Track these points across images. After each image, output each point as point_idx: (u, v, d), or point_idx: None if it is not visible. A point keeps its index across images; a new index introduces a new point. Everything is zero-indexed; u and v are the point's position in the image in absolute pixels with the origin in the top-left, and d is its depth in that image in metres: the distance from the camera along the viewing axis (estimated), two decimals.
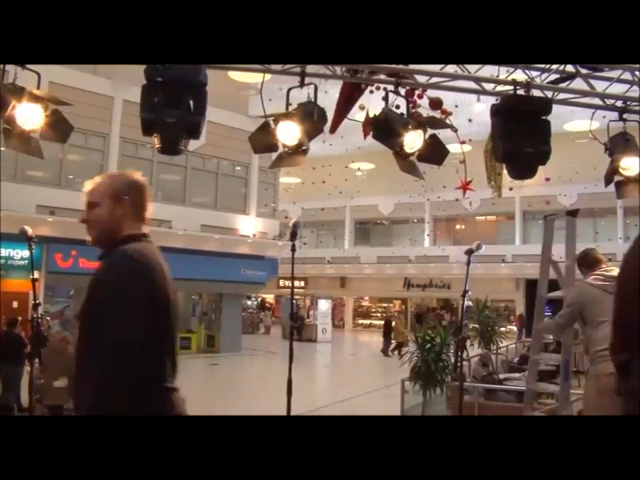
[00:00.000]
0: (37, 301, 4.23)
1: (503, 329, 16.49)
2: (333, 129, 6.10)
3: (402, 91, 5.11)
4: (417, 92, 5.64)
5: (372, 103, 5.94)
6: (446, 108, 6.07)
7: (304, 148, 4.78)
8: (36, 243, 4.17)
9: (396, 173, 5.45)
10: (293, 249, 4.89)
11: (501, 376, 10.10)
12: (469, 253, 4.77)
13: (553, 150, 4.81)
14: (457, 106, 13.93)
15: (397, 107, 5.05)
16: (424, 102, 5.88)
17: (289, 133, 4.70)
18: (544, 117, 4.81)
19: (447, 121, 6.00)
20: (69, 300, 17.63)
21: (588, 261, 4.42)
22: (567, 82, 5.50)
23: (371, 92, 6.04)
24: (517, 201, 29.09)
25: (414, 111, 5.27)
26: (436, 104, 5.85)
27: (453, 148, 5.84)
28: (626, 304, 2.12)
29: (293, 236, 4.95)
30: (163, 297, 2.19)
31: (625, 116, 5.54)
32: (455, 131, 5.55)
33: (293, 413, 4.91)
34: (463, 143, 5.47)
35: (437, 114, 5.99)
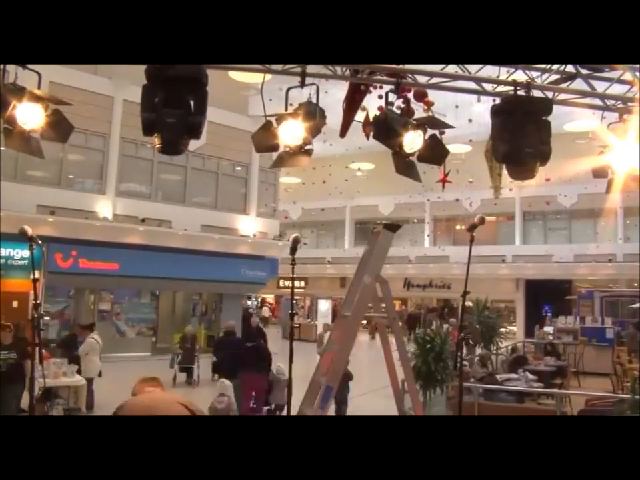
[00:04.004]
0: (38, 301, 4.22)
1: (503, 329, 16.49)
2: (343, 133, 6.11)
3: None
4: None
5: (371, 103, 5.94)
6: (429, 99, 6.08)
7: (307, 148, 4.78)
8: (38, 244, 4.16)
9: (396, 174, 5.45)
10: (293, 263, 4.87)
11: (501, 377, 10.10)
12: (472, 228, 4.50)
13: (553, 150, 4.81)
14: (457, 106, 13.94)
15: (391, 103, 5.04)
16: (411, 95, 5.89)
17: (292, 132, 4.69)
18: (544, 118, 4.81)
19: (429, 112, 6.03)
20: (69, 300, 17.65)
21: None
22: (568, 82, 5.50)
23: (369, 92, 6.04)
24: (517, 201, 29.11)
25: (404, 105, 5.26)
26: (420, 95, 5.87)
27: (453, 148, 5.84)
28: None
29: (293, 251, 4.94)
30: None
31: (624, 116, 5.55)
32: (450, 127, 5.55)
33: (293, 413, 4.92)
34: (442, 134, 5.43)
35: (421, 105, 6.00)
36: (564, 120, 17.57)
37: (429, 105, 6.18)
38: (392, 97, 5.05)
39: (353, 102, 5.98)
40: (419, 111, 5.72)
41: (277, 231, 21.55)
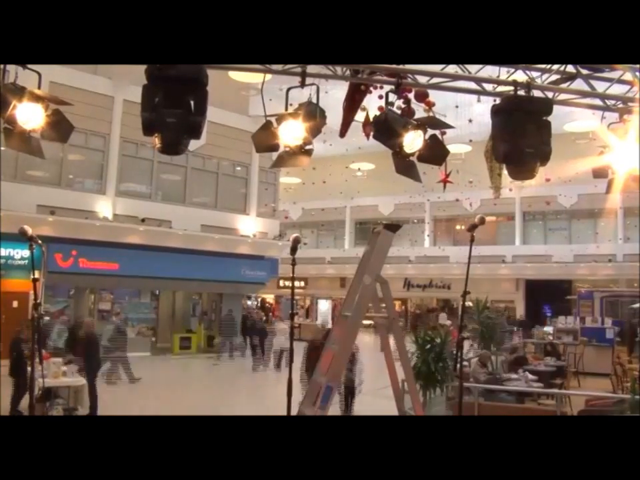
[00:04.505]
0: (38, 301, 4.23)
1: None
2: (343, 133, 6.12)
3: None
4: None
5: (372, 103, 5.95)
6: (430, 100, 6.10)
7: (307, 148, 4.77)
8: (38, 244, 4.16)
9: (396, 174, 5.45)
10: (293, 263, 4.88)
11: (501, 377, 10.09)
12: (472, 228, 4.52)
13: (553, 150, 4.81)
14: (457, 106, 13.93)
15: (391, 103, 5.04)
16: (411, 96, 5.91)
17: (292, 132, 4.69)
18: (544, 118, 4.81)
19: (430, 112, 6.05)
20: (69, 300, 17.64)
21: None
22: (568, 82, 5.50)
23: (370, 92, 6.05)
24: (517, 201, 29.12)
25: (405, 106, 5.27)
26: (421, 96, 5.88)
27: (453, 148, 5.85)
28: None
29: (293, 251, 4.95)
30: None
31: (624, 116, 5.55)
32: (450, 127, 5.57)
33: (293, 413, 4.92)
34: (443, 134, 5.49)
35: (422, 105, 6.02)
36: (564, 120, 17.57)
37: (430, 105, 6.20)
38: (392, 97, 5.05)
39: (353, 102, 5.98)
40: (419, 111, 5.72)
41: (277, 231, 21.55)
